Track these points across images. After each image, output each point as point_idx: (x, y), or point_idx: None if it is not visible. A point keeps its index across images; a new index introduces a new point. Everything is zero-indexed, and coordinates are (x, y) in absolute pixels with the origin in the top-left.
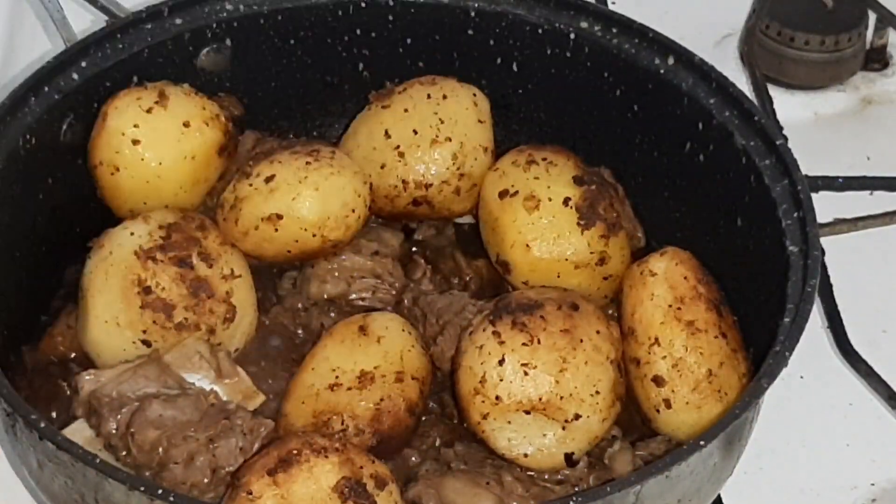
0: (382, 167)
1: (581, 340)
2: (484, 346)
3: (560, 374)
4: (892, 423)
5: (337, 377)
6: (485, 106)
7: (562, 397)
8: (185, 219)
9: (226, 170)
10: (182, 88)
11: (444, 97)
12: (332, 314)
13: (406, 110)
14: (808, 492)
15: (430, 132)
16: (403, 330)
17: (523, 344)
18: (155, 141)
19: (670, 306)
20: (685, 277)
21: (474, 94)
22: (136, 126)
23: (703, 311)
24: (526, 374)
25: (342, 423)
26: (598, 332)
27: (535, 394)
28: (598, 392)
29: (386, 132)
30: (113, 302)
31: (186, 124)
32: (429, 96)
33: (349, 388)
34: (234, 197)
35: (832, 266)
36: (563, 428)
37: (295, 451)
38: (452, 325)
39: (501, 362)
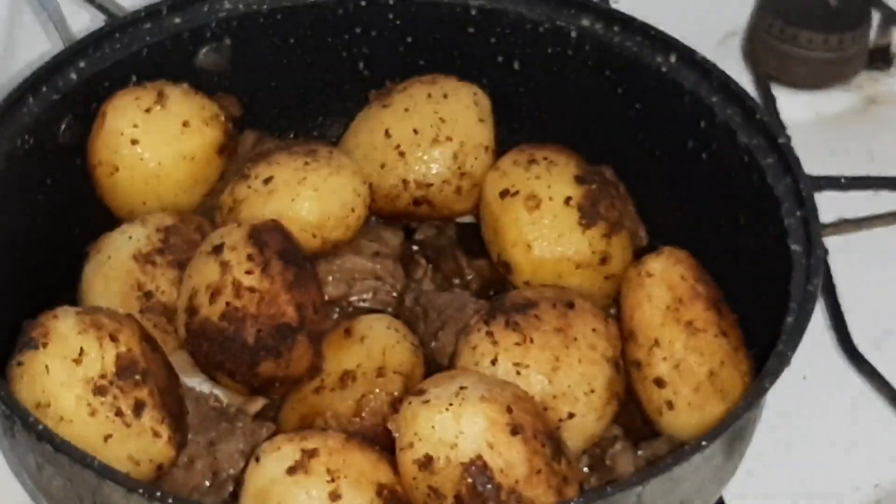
0: (383, 167)
1: (575, 339)
2: (477, 347)
3: (553, 372)
4: (895, 424)
5: (322, 380)
6: (486, 105)
7: (555, 396)
8: (183, 221)
9: (225, 170)
10: (181, 88)
11: (445, 96)
12: (334, 316)
13: (406, 109)
14: (811, 492)
15: (431, 131)
16: (388, 328)
17: (516, 343)
18: (154, 141)
19: (669, 307)
20: (683, 277)
21: (475, 93)
22: (135, 126)
23: (702, 310)
24: (518, 373)
25: (325, 423)
26: (593, 329)
27: (528, 393)
28: (592, 391)
29: (386, 131)
30: (113, 307)
31: (186, 124)
32: (429, 95)
33: (332, 389)
34: (233, 199)
35: (836, 266)
36: (558, 427)
37: None
38: (453, 322)
39: (494, 362)
